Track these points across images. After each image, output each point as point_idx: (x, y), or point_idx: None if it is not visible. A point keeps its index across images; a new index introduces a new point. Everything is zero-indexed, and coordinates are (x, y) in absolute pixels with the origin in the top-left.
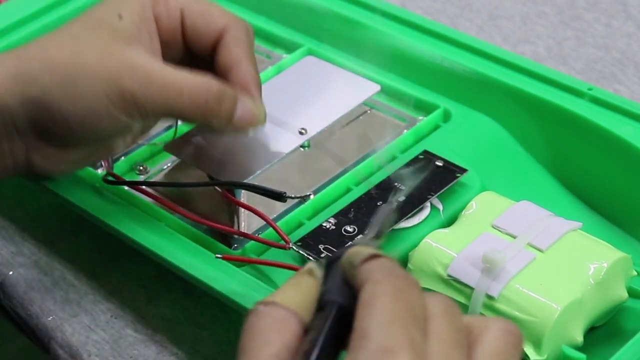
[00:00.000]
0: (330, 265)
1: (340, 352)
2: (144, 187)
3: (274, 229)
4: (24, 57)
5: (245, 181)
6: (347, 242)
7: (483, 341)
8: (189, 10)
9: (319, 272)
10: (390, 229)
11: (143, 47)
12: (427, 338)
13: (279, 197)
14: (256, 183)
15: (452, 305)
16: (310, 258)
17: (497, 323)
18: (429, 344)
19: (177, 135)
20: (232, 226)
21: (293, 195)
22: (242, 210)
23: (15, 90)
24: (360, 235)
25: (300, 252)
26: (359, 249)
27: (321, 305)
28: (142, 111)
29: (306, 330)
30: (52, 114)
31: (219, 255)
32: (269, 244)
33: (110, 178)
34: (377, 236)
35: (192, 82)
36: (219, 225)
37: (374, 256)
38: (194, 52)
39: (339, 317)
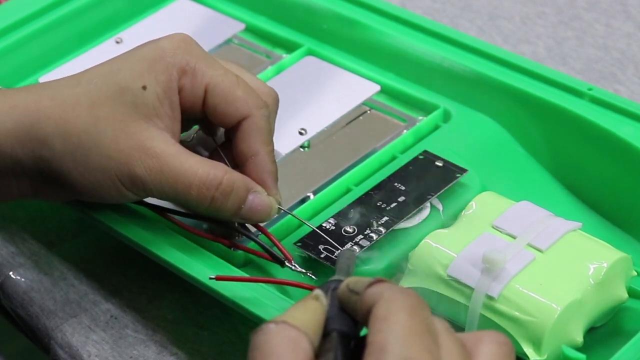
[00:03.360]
0: (330, 294)
1: None
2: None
3: (277, 246)
4: (41, 111)
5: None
6: (347, 242)
7: (479, 353)
8: (214, 88)
9: (324, 299)
10: (353, 270)
11: (162, 123)
12: (439, 351)
13: (280, 263)
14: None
15: (449, 325)
16: (312, 277)
17: (490, 335)
18: (441, 356)
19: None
20: (233, 230)
21: (294, 268)
22: None
23: (27, 145)
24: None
25: (299, 270)
26: (357, 278)
27: (326, 332)
28: (149, 194)
29: (316, 354)
30: (60, 177)
31: (212, 277)
32: (268, 259)
33: None
34: (347, 276)
35: (201, 177)
36: (220, 239)
37: (380, 280)
38: (211, 125)
39: (344, 343)
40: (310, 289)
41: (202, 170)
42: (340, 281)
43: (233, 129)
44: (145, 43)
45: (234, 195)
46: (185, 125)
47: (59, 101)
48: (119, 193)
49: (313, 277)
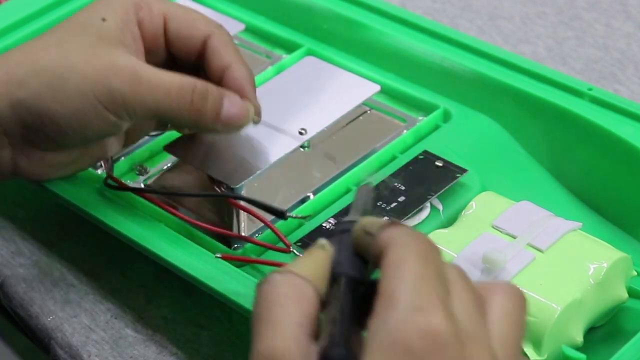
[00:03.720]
0: (337, 238)
1: (358, 322)
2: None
3: (275, 232)
4: (11, 61)
5: (245, 182)
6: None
7: (493, 304)
8: (172, 17)
9: (330, 247)
10: (373, 208)
11: (128, 49)
12: (450, 299)
13: (281, 214)
14: (257, 184)
15: (464, 272)
16: None
17: (503, 287)
18: (452, 304)
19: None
20: (233, 226)
21: (294, 215)
22: (242, 210)
23: (3, 93)
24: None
25: (301, 255)
26: (373, 219)
27: (334, 278)
28: (130, 111)
29: (322, 301)
30: (41, 116)
31: (218, 255)
32: (270, 248)
33: (111, 182)
34: (364, 215)
35: (178, 82)
36: (219, 229)
37: (394, 223)
38: (177, 58)
39: (353, 288)
40: None
41: (177, 77)
42: (352, 222)
43: (200, 54)
44: None
45: (211, 97)
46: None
47: (27, 48)
48: (101, 117)
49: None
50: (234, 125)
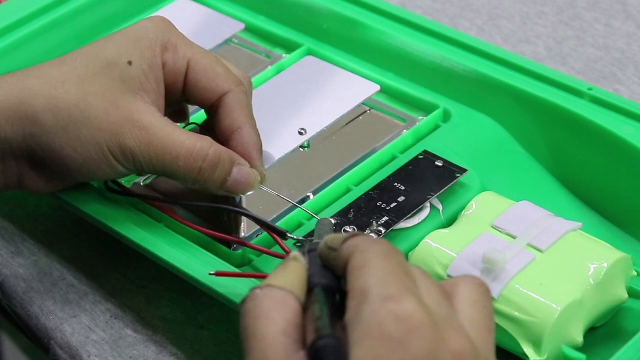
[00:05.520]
0: (307, 256)
1: (336, 324)
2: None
3: (276, 241)
4: (29, 89)
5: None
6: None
7: (458, 294)
8: (195, 64)
9: (302, 258)
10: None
11: (149, 97)
12: (418, 290)
13: (282, 235)
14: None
15: (425, 271)
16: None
17: (465, 278)
18: (420, 294)
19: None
20: (232, 227)
21: (295, 237)
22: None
23: (16, 122)
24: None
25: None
26: (334, 235)
27: (310, 289)
28: (138, 167)
29: (304, 309)
30: (51, 154)
31: (212, 273)
32: (268, 253)
33: (112, 185)
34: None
35: (189, 148)
36: (219, 234)
37: (354, 234)
38: (192, 102)
39: (328, 296)
40: None
41: (189, 142)
42: (316, 244)
43: (214, 107)
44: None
45: (221, 167)
46: (166, 107)
47: (46, 79)
48: (110, 166)
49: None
50: (237, 193)
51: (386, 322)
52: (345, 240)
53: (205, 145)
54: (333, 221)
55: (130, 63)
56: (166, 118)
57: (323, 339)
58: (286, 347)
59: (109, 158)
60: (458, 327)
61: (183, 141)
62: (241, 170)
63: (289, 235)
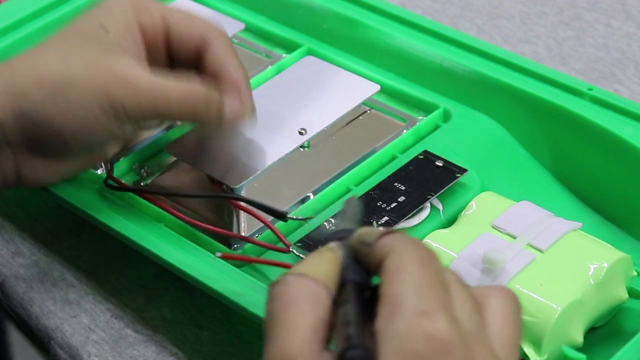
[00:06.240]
0: (340, 244)
1: (365, 325)
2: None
3: (275, 232)
4: (14, 71)
5: (245, 182)
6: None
7: (489, 307)
8: (172, 20)
9: (339, 250)
10: (361, 219)
11: (129, 55)
12: (451, 302)
13: (281, 216)
14: (257, 184)
15: (461, 276)
16: None
17: (498, 289)
18: (453, 307)
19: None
20: (233, 226)
21: (295, 217)
22: (242, 211)
23: (6, 104)
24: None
25: (301, 255)
26: (368, 229)
27: (342, 283)
28: (132, 119)
29: (335, 303)
30: (44, 127)
31: (218, 254)
32: (270, 248)
33: (111, 182)
34: (354, 225)
35: (179, 90)
36: (219, 229)
37: (390, 231)
38: (176, 59)
39: (359, 293)
40: None
41: (177, 85)
42: (349, 230)
43: (198, 56)
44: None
45: (213, 101)
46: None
47: (28, 59)
48: (104, 127)
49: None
50: (236, 122)
51: (418, 340)
52: (380, 237)
53: (194, 85)
54: (333, 221)
55: (105, 29)
56: (151, 69)
57: (353, 348)
58: (312, 346)
59: (100, 118)
60: (486, 345)
61: (171, 86)
62: (231, 106)
63: (288, 216)
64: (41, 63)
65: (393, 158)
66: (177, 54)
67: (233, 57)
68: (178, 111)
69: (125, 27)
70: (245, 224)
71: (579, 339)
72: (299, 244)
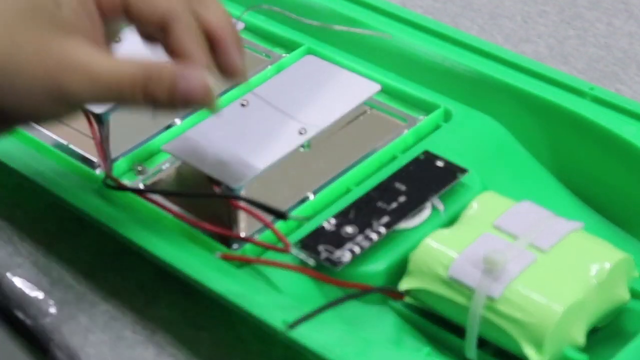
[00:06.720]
0: None
1: None
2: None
3: (274, 232)
4: None
5: (245, 182)
6: (347, 243)
7: None
8: None
9: None
10: None
11: (83, 35)
12: None
13: (282, 215)
14: (257, 184)
15: None
16: (312, 259)
17: None
18: None
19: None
20: (232, 226)
21: (295, 217)
22: (242, 210)
23: None
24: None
25: (300, 256)
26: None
27: None
28: (83, 104)
29: None
30: None
31: (218, 254)
32: (270, 248)
33: (110, 182)
34: None
35: (132, 73)
36: (219, 229)
37: None
38: (140, 30)
39: None
40: (311, 273)
41: (130, 67)
42: None
43: (162, 32)
44: None
45: (165, 79)
46: (111, 33)
47: None
48: (52, 110)
49: (312, 261)
50: (193, 101)
51: None
52: None
53: (146, 64)
54: (333, 221)
55: (58, 4)
56: (103, 51)
57: None
58: None
59: (48, 103)
60: None
61: (125, 69)
62: (186, 75)
63: (289, 215)
64: None
65: (393, 158)
66: (139, 28)
67: (197, 44)
68: (130, 95)
69: (79, 3)
70: (245, 224)
71: (581, 340)
72: (299, 244)
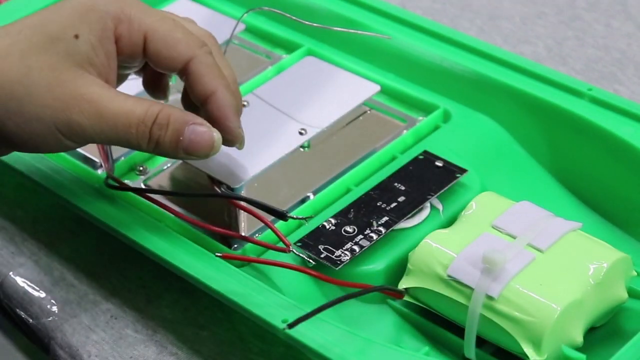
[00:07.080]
0: None
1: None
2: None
3: (275, 232)
4: None
5: (245, 182)
6: (347, 242)
7: None
8: (153, 34)
9: None
10: None
11: (96, 71)
12: None
13: (281, 216)
14: (257, 184)
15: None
16: (311, 260)
17: None
18: None
19: None
20: (232, 226)
21: (295, 216)
22: (242, 210)
23: None
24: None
25: (301, 255)
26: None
27: None
28: (89, 140)
29: None
30: None
31: (219, 254)
32: (270, 247)
33: (111, 182)
34: None
35: (140, 114)
36: (219, 229)
37: None
38: (146, 77)
39: None
40: (311, 273)
41: (140, 108)
42: None
43: (181, 74)
44: None
45: (172, 126)
46: (125, 76)
47: None
48: (58, 142)
49: (311, 261)
50: (197, 154)
51: None
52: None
53: (156, 108)
54: (333, 221)
55: (76, 37)
56: (115, 89)
57: None
58: None
59: (55, 134)
60: None
61: (134, 109)
62: (195, 129)
63: (288, 216)
64: (1, 64)
65: (393, 158)
66: (158, 68)
67: (220, 81)
68: (136, 135)
69: (99, 38)
70: (245, 224)
71: (579, 339)
72: (299, 244)
